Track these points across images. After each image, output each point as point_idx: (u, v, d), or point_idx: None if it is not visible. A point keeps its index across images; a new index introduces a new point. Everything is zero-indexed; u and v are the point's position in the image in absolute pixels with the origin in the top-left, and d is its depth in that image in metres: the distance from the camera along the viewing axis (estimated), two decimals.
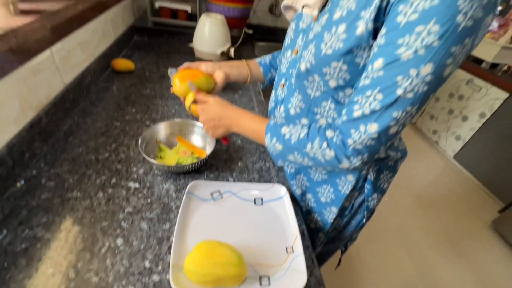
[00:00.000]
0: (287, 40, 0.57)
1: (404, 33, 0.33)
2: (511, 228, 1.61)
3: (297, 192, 0.64)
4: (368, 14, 0.36)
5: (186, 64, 0.61)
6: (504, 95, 1.85)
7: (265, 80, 0.72)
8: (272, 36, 1.68)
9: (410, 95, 0.35)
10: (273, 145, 0.48)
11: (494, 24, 2.07)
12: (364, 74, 0.38)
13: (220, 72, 0.61)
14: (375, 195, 0.58)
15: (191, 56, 1.23)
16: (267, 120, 0.51)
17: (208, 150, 0.64)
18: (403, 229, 1.66)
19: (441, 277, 1.43)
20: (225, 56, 1.19)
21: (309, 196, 0.63)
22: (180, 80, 0.56)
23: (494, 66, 2.05)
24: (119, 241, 0.45)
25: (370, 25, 0.36)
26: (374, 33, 0.37)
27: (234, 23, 1.34)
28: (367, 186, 0.56)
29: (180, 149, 0.65)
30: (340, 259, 0.79)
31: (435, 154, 2.39)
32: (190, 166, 0.57)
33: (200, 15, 1.23)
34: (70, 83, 0.73)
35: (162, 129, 0.66)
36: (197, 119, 0.58)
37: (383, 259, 1.47)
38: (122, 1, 1.15)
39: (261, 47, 1.64)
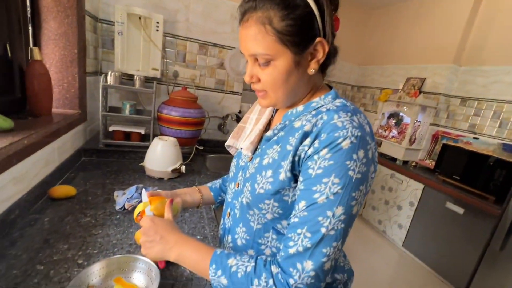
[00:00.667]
0: (230, 173, 0.65)
1: (315, 182, 0.42)
2: None
3: None
4: (285, 164, 0.47)
5: (148, 193, 0.63)
6: (421, 186, 2.21)
7: (216, 203, 0.77)
8: (222, 148, 1.86)
9: (332, 232, 0.41)
10: (218, 278, 0.45)
11: (395, 132, 2.69)
12: (293, 213, 0.45)
13: (177, 199, 0.65)
14: None
15: (142, 173, 1.24)
16: (212, 250, 0.49)
17: None
18: None
19: None
20: (176, 172, 1.24)
21: None
22: (141, 211, 0.58)
23: (405, 162, 2.53)
24: None
25: (289, 174, 0.46)
26: (294, 178, 0.47)
27: (186, 142, 1.47)
28: None
29: None
30: None
31: (387, 244, 2.49)
32: None
33: (153, 136, 1.33)
34: None
35: (96, 271, 0.58)
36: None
37: None
38: (76, 128, 1.21)
39: (212, 158, 1.77)
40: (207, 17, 1.67)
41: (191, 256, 0.49)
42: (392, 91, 2.77)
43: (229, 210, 0.62)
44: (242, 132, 0.66)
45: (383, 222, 2.58)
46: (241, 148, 0.61)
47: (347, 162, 0.41)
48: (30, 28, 1.09)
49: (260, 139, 0.58)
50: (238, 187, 0.59)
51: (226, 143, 0.68)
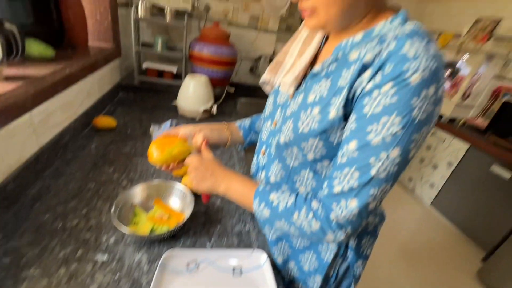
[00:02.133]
0: (266, 111, 0.61)
1: (371, 121, 0.37)
2: (496, 277, 1.59)
3: (279, 260, 0.62)
4: (338, 101, 0.41)
5: (165, 132, 0.62)
6: (465, 146, 2.02)
7: (245, 143, 0.75)
8: (253, 92, 1.81)
9: (383, 174, 0.38)
10: (261, 211, 0.48)
11: (447, 85, 2.37)
12: (340, 152, 0.42)
13: (199, 136, 0.61)
14: (359, 262, 0.57)
15: (175, 112, 1.27)
16: (256, 185, 0.51)
17: (186, 213, 0.61)
18: (391, 282, 1.59)
19: None
20: (207, 113, 1.24)
21: (291, 264, 0.60)
22: (157, 149, 0.55)
23: (452, 120, 2.28)
24: None
25: (341, 112, 0.41)
26: (345, 116, 0.42)
27: (217, 83, 1.44)
28: (350, 253, 0.55)
29: (157, 212, 0.63)
30: None
31: (414, 201, 2.45)
32: (165, 234, 0.54)
33: (185, 75, 1.32)
34: (46, 144, 0.72)
35: (138, 192, 0.64)
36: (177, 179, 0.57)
37: None
38: (111, 62, 1.22)
39: (243, 102, 1.74)
40: None
41: (238, 190, 0.51)
42: (453, 35, 2.34)
43: (263, 148, 0.60)
44: (280, 66, 0.58)
45: (413, 180, 2.50)
46: (280, 85, 0.54)
47: (414, 100, 0.35)
48: None
49: (305, 75, 0.51)
50: (275, 126, 0.55)
51: (261, 79, 0.62)
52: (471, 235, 2.01)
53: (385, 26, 0.41)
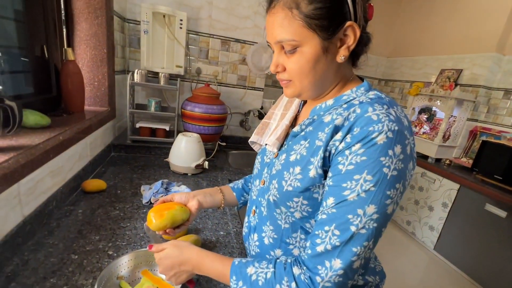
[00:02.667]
0: (255, 170, 0.64)
1: (345, 179, 0.40)
2: None
3: None
4: (316, 161, 0.45)
5: (161, 199, 0.63)
6: (456, 185, 2.05)
7: (239, 203, 0.75)
8: (243, 145, 1.86)
9: (363, 231, 0.39)
10: None
11: (426, 128, 2.52)
12: (321, 209, 0.43)
13: (193, 201, 0.63)
14: None
15: (167, 169, 1.27)
16: (230, 261, 0.49)
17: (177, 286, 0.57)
18: None
19: None
20: (199, 168, 1.25)
21: None
22: (155, 216, 0.56)
23: (438, 160, 2.36)
24: None
25: (319, 170, 0.44)
26: (325, 175, 0.45)
27: (209, 138, 1.48)
28: None
29: (144, 285, 0.58)
30: None
31: (416, 246, 2.36)
32: None
33: (177, 133, 1.36)
34: (30, 214, 0.69)
35: (124, 263, 0.60)
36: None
37: None
38: (105, 124, 1.26)
39: (234, 154, 1.78)
40: (230, 13, 1.66)
41: (212, 271, 0.50)
42: (423, 84, 2.59)
43: (254, 208, 0.60)
44: (266, 128, 0.64)
45: (412, 223, 2.44)
46: (266, 145, 0.59)
47: (382, 158, 0.38)
48: (64, 29, 1.15)
49: (286, 135, 0.56)
50: (263, 184, 0.57)
51: (250, 140, 0.66)
52: (481, 282, 1.89)
53: (352, 93, 0.48)
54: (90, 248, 0.69)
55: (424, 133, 2.50)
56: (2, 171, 0.56)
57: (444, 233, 2.15)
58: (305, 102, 0.60)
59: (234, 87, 1.82)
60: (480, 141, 2.10)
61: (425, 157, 2.40)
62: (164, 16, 1.45)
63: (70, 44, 1.20)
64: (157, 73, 1.53)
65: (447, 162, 2.31)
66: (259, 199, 0.58)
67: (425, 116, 2.57)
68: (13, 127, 0.63)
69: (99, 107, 1.29)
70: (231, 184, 0.77)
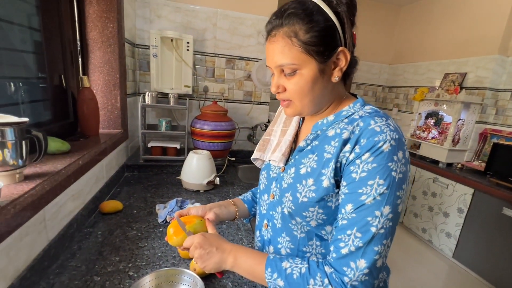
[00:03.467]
0: (261, 185, 0.67)
1: (361, 185, 0.44)
2: None
3: None
4: (328, 172, 0.49)
5: (177, 213, 0.64)
6: (470, 190, 2.01)
7: (250, 215, 0.77)
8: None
9: (382, 230, 0.43)
10: (274, 281, 0.48)
11: (435, 132, 2.50)
12: (340, 216, 0.47)
13: (210, 214, 0.65)
14: None
15: (179, 186, 1.30)
16: (264, 255, 0.53)
17: None
18: None
19: None
20: (211, 184, 1.27)
21: None
22: (175, 232, 0.57)
23: (449, 165, 2.32)
24: None
25: (332, 180, 0.48)
26: (337, 184, 0.49)
27: (218, 154, 1.51)
28: None
29: None
30: None
31: (434, 255, 2.29)
32: None
33: (188, 150, 1.39)
34: (54, 238, 0.72)
35: (146, 283, 0.61)
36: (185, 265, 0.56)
37: None
38: (119, 146, 1.31)
39: (244, 168, 1.80)
40: (233, 32, 1.73)
41: (246, 261, 0.52)
42: (428, 89, 2.60)
43: (265, 221, 0.63)
44: (267, 144, 0.68)
45: (428, 231, 2.38)
46: (269, 160, 0.63)
47: (389, 164, 0.43)
48: (79, 58, 1.22)
49: (290, 150, 0.60)
50: (273, 198, 0.60)
51: (253, 157, 0.70)
52: (500, 286, 1.81)
53: (350, 109, 0.53)
54: (111, 269, 0.71)
55: (432, 137, 2.48)
56: (31, 198, 0.59)
57: (462, 240, 2.08)
58: (303, 118, 0.64)
59: (240, 103, 1.86)
60: (491, 144, 2.07)
61: (436, 162, 2.37)
62: (171, 40, 1.52)
63: (85, 71, 1.26)
64: (166, 94, 1.58)
65: (459, 166, 2.27)
66: (271, 212, 0.60)
67: (433, 121, 2.56)
68: (39, 155, 0.67)
69: (112, 129, 1.34)
70: (240, 197, 0.80)
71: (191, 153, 1.27)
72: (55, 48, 1.04)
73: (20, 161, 0.63)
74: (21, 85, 0.89)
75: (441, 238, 2.25)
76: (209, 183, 1.25)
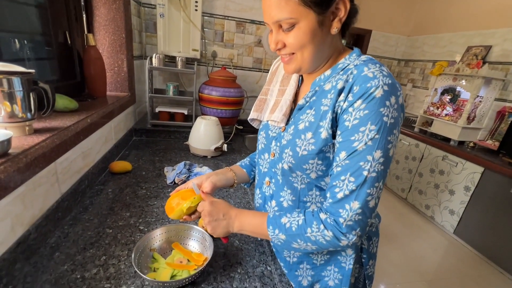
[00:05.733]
0: (260, 145, 0.67)
1: (353, 132, 0.46)
2: None
3: (304, 283, 0.63)
4: (325, 123, 0.50)
5: (177, 189, 0.67)
6: (480, 169, 1.98)
7: (250, 179, 0.78)
8: None
9: (373, 174, 0.45)
10: (277, 236, 0.53)
11: (449, 109, 2.41)
12: (334, 164, 0.49)
13: (207, 183, 0.65)
14: (370, 262, 0.64)
15: (187, 151, 1.30)
16: (265, 214, 0.56)
17: (206, 257, 0.60)
18: None
19: None
20: (218, 150, 1.27)
21: (317, 286, 0.63)
22: (168, 208, 0.62)
23: (461, 143, 2.27)
24: None
25: (330, 131, 0.49)
26: (333, 135, 0.50)
27: (226, 122, 1.49)
28: (364, 256, 0.62)
29: (175, 257, 0.61)
30: None
31: (435, 231, 2.33)
32: (185, 280, 0.53)
33: (195, 117, 1.38)
34: (67, 191, 0.73)
35: (156, 236, 0.63)
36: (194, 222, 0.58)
37: None
38: (126, 109, 1.30)
39: (251, 138, 1.79)
40: None
41: (250, 224, 0.57)
42: (447, 63, 2.45)
43: (267, 179, 0.64)
44: (264, 104, 0.67)
45: (431, 207, 2.40)
46: (268, 121, 0.63)
47: (381, 109, 0.44)
48: (84, 15, 1.17)
49: (290, 110, 0.60)
50: (274, 156, 0.61)
51: (250, 117, 0.69)
52: (502, 264, 1.85)
53: (346, 60, 0.53)
54: (122, 223, 0.73)
55: (446, 115, 2.39)
56: (42, 150, 0.59)
57: (465, 217, 2.10)
58: (302, 78, 0.63)
59: (250, 70, 1.80)
60: (509, 122, 1.99)
61: (447, 140, 2.31)
62: None
63: (90, 30, 1.21)
64: (173, 58, 1.53)
65: (471, 144, 2.21)
66: (272, 169, 0.62)
67: (448, 97, 2.46)
68: (47, 109, 0.66)
69: (120, 92, 1.32)
70: (238, 163, 0.80)
71: (199, 119, 1.25)
72: (59, 3, 0.99)
73: (29, 114, 0.62)
74: (25, 42, 0.86)
75: (444, 214, 2.27)
76: (216, 149, 1.25)
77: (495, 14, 2.29)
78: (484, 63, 2.21)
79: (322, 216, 0.49)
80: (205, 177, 0.68)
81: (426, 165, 2.45)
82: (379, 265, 1.85)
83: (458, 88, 2.38)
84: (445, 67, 2.37)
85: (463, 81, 2.23)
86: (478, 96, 2.20)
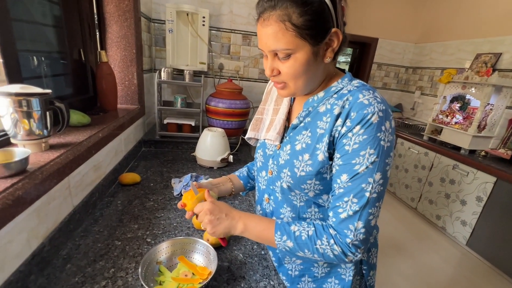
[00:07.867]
0: (258, 163, 0.69)
1: (354, 156, 0.48)
2: None
3: None
4: (322, 146, 0.52)
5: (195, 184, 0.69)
6: (492, 178, 1.93)
7: (246, 189, 0.82)
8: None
9: (374, 195, 0.48)
10: (284, 243, 0.53)
11: (459, 117, 2.37)
12: (335, 186, 0.51)
13: (206, 183, 0.71)
14: (371, 273, 0.66)
15: (193, 162, 1.33)
16: (273, 220, 0.57)
17: (211, 271, 0.61)
18: None
19: None
20: (224, 161, 1.29)
21: None
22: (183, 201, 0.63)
23: (472, 152, 2.22)
24: None
25: (326, 154, 0.52)
26: (330, 157, 0.52)
27: (232, 133, 1.52)
28: (364, 267, 0.64)
29: (181, 270, 0.63)
30: None
31: (447, 242, 2.26)
32: None
33: (202, 128, 1.41)
34: (78, 204, 0.77)
35: (163, 249, 0.65)
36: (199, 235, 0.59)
37: None
38: (136, 121, 1.34)
39: None
40: (251, 6, 1.66)
41: (256, 227, 0.56)
42: (456, 70, 2.43)
43: (266, 196, 0.66)
44: (260, 123, 0.70)
45: (442, 218, 2.34)
46: (264, 139, 0.65)
47: (378, 134, 0.47)
48: (97, 33, 1.23)
49: (284, 128, 0.62)
50: (271, 174, 0.63)
51: (247, 136, 0.72)
52: None
53: (338, 84, 0.55)
54: (130, 235, 0.75)
55: (456, 123, 2.36)
56: (56, 166, 0.63)
57: (478, 228, 2.04)
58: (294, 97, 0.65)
59: (255, 81, 1.83)
60: None
61: (457, 148, 2.27)
62: (187, 14, 1.49)
63: (103, 46, 1.27)
64: (181, 71, 1.58)
65: (482, 153, 2.16)
66: (271, 187, 0.64)
67: (458, 105, 2.42)
68: (62, 126, 0.70)
69: (130, 105, 1.37)
70: (236, 173, 0.83)
71: (205, 131, 1.28)
72: (74, 22, 1.05)
73: (45, 131, 0.66)
74: (43, 59, 0.91)
75: (455, 225, 2.21)
76: (222, 160, 1.27)
77: (504, 21, 2.27)
78: (494, 70, 2.18)
79: (332, 232, 0.51)
80: (210, 186, 0.72)
81: (436, 174, 2.40)
82: (388, 276, 1.81)
83: (468, 96, 2.34)
84: (453, 75, 2.34)
85: (473, 89, 2.20)
86: (488, 104, 2.16)
